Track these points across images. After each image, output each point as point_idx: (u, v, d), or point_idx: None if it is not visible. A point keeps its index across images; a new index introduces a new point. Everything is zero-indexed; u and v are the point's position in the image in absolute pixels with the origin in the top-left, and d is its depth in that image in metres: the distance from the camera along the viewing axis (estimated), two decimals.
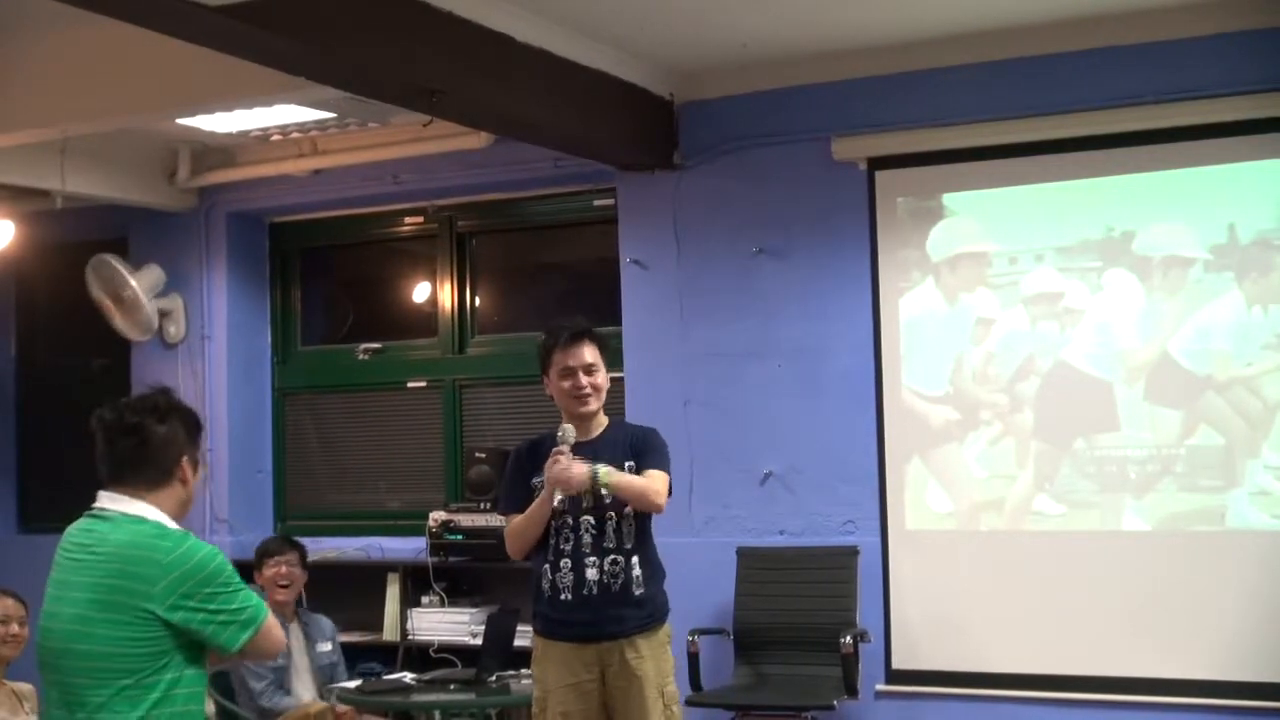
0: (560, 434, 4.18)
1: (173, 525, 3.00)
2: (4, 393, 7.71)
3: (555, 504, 4.12)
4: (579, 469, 4.04)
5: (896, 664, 5.56)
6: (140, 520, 2.96)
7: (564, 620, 4.19)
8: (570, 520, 4.17)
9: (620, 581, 4.16)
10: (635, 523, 4.20)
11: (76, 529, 3.01)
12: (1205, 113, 5.09)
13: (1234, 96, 5.05)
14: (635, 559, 4.18)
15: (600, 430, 4.31)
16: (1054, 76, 5.32)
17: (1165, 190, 5.28)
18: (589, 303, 6.32)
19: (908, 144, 5.57)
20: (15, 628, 4.72)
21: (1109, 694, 5.22)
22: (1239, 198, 5.18)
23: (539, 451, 4.23)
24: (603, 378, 4.29)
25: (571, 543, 4.17)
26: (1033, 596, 5.39)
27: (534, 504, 4.19)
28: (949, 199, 5.63)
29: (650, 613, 4.21)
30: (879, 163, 5.64)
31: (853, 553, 5.57)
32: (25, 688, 4.76)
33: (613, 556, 4.16)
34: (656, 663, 4.18)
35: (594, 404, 4.27)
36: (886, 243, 5.65)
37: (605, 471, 4.07)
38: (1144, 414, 5.28)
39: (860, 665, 5.33)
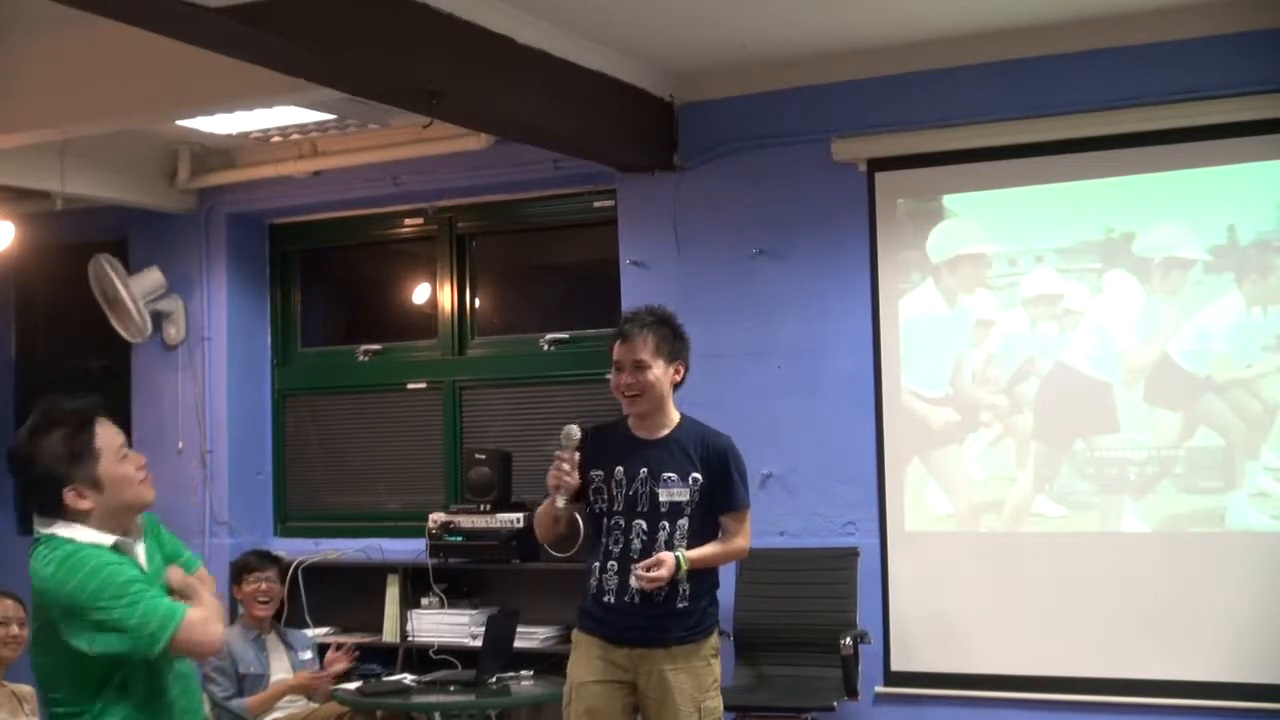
0: (563, 435, 4.08)
1: (89, 538, 2.87)
2: (4, 393, 7.71)
3: (560, 509, 4.08)
4: (666, 571, 3.96)
5: (895, 666, 5.56)
6: (49, 540, 2.89)
7: (603, 620, 4.11)
8: (623, 523, 4.09)
9: (664, 592, 4.04)
10: (689, 536, 4.09)
11: None
12: (1205, 114, 5.09)
13: (1234, 97, 5.05)
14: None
15: (668, 430, 4.17)
16: (1054, 77, 5.32)
17: (1165, 191, 5.28)
18: (589, 304, 6.33)
19: (907, 145, 5.57)
20: (15, 629, 4.72)
21: (1109, 695, 5.22)
22: (1239, 199, 5.18)
23: (600, 439, 4.15)
24: (656, 375, 4.10)
25: (621, 545, 4.08)
26: (1032, 598, 5.39)
27: (545, 502, 4.15)
28: (949, 200, 5.63)
29: (693, 625, 4.10)
30: (878, 164, 5.64)
31: (853, 554, 5.57)
32: (25, 689, 4.76)
33: None
34: (695, 676, 4.07)
35: (641, 404, 4.12)
36: (886, 244, 5.65)
37: (684, 559, 4.02)
38: (1143, 415, 5.28)
39: (860, 667, 5.33)
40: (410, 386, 6.90)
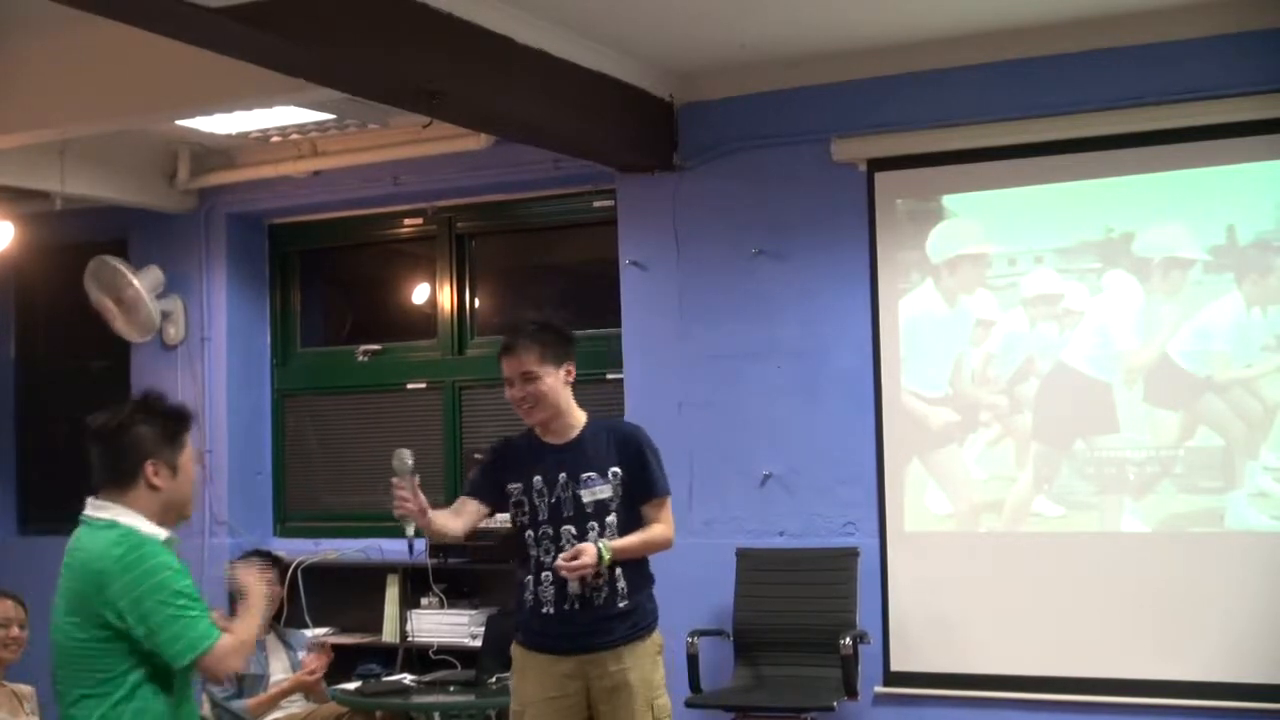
0: (395, 460, 3.90)
1: (149, 529, 3.01)
2: (4, 394, 7.71)
3: (410, 534, 4.05)
4: (589, 559, 3.90)
5: (895, 666, 5.56)
6: (111, 525, 3.01)
7: (545, 632, 4.04)
8: (551, 531, 4.02)
9: (604, 594, 4.00)
10: (619, 531, 4.03)
11: (72, 536, 3.08)
12: (1205, 114, 5.09)
13: (1234, 97, 5.05)
14: (619, 569, 4.01)
15: (577, 431, 4.10)
16: (1054, 77, 5.32)
17: (1164, 191, 5.29)
18: (588, 304, 6.32)
19: (907, 145, 5.57)
20: (15, 630, 4.71)
21: (1108, 696, 5.22)
22: (1238, 199, 5.18)
23: (511, 453, 4.13)
24: (548, 384, 4.01)
25: (552, 555, 4.00)
26: (1031, 598, 5.39)
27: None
28: (948, 200, 5.63)
29: (636, 623, 4.05)
30: (878, 164, 5.64)
31: (852, 554, 5.57)
32: (25, 689, 4.76)
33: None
34: (643, 674, 4.02)
35: (539, 414, 4.05)
36: (886, 244, 5.65)
37: (606, 548, 3.94)
38: (1143, 415, 5.28)
39: (859, 667, 5.33)
40: (410, 386, 6.91)
